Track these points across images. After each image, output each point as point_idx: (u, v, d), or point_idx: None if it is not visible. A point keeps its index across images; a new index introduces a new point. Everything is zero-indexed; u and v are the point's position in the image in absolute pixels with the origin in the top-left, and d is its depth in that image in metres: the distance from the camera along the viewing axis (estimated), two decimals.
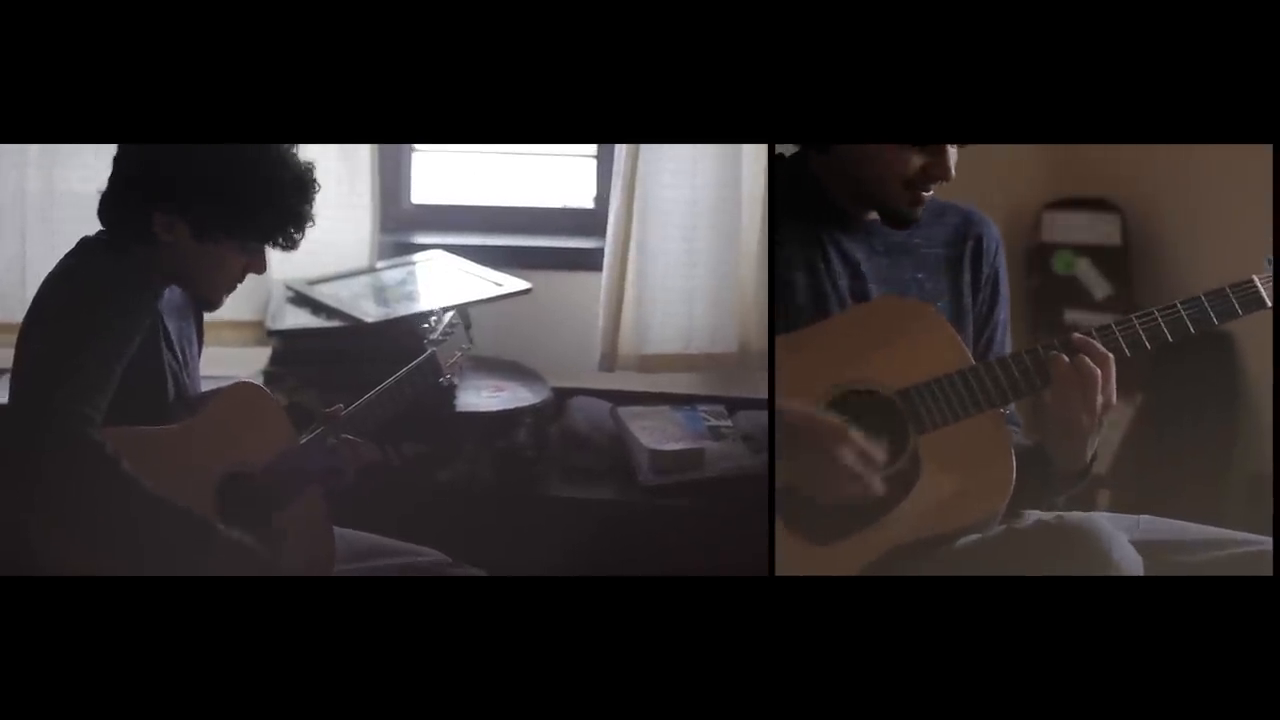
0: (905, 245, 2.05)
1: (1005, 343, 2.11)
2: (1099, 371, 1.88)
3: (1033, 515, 2.01)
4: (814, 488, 1.85)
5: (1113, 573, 1.80)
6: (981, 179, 3.02)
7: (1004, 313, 2.11)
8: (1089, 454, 1.93)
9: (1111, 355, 1.89)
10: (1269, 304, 1.94)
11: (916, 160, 1.95)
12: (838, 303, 1.98)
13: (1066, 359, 1.89)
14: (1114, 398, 1.89)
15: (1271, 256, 1.96)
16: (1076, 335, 1.91)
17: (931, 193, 1.98)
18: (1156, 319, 1.93)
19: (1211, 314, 1.93)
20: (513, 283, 2.81)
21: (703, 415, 2.93)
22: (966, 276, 2.08)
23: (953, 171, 1.96)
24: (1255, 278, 1.94)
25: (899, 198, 1.98)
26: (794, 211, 2.02)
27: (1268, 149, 2.08)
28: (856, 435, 1.83)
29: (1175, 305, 1.93)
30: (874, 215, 2.03)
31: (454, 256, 2.94)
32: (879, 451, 1.84)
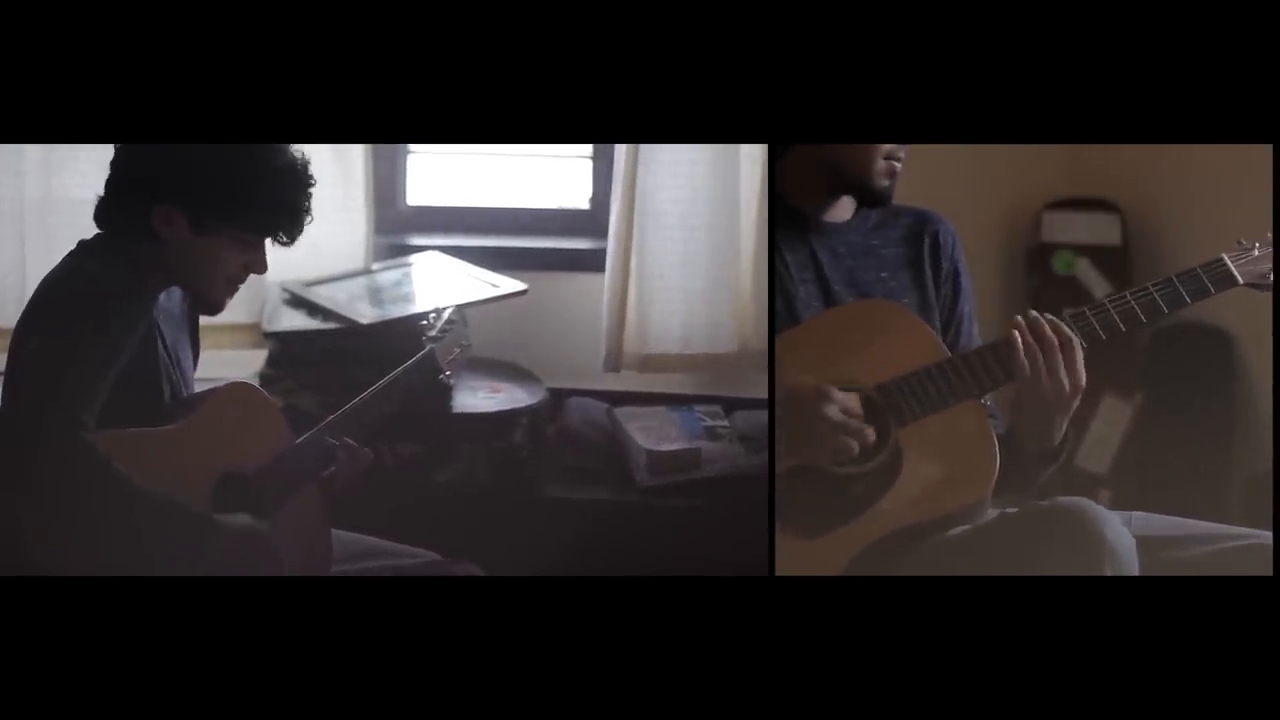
0: (865, 247, 2.08)
1: (973, 334, 2.14)
2: (1056, 342, 1.90)
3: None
4: (814, 454, 1.88)
5: (1106, 553, 1.81)
6: (982, 179, 3.03)
7: (968, 305, 2.14)
8: (1057, 435, 1.95)
9: (1075, 337, 1.92)
10: (1240, 281, 1.96)
11: None
12: (805, 307, 2.01)
13: (1023, 336, 1.91)
14: (1082, 380, 1.91)
15: (1242, 238, 1.98)
16: (1031, 313, 1.93)
17: (901, 164, 2.01)
18: (1129, 301, 1.95)
19: (1183, 293, 1.95)
20: (508, 284, 2.81)
21: (699, 415, 2.93)
22: (928, 273, 2.11)
23: None
24: (1224, 255, 1.96)
25: (881, 172, 2.01)
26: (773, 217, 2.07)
27: (1268, 149, 2.08)
28: (835, 392, 1.87)
29: (1147, 287, 1.95)
30: (831, 216, 2.06)
31: (449, 258, 2.94)
32: (856, 403, 1.88)
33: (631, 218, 2.87)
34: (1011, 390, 1.96)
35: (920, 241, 2.11)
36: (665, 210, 2.88)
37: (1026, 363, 1.91)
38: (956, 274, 2.12)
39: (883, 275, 2.07)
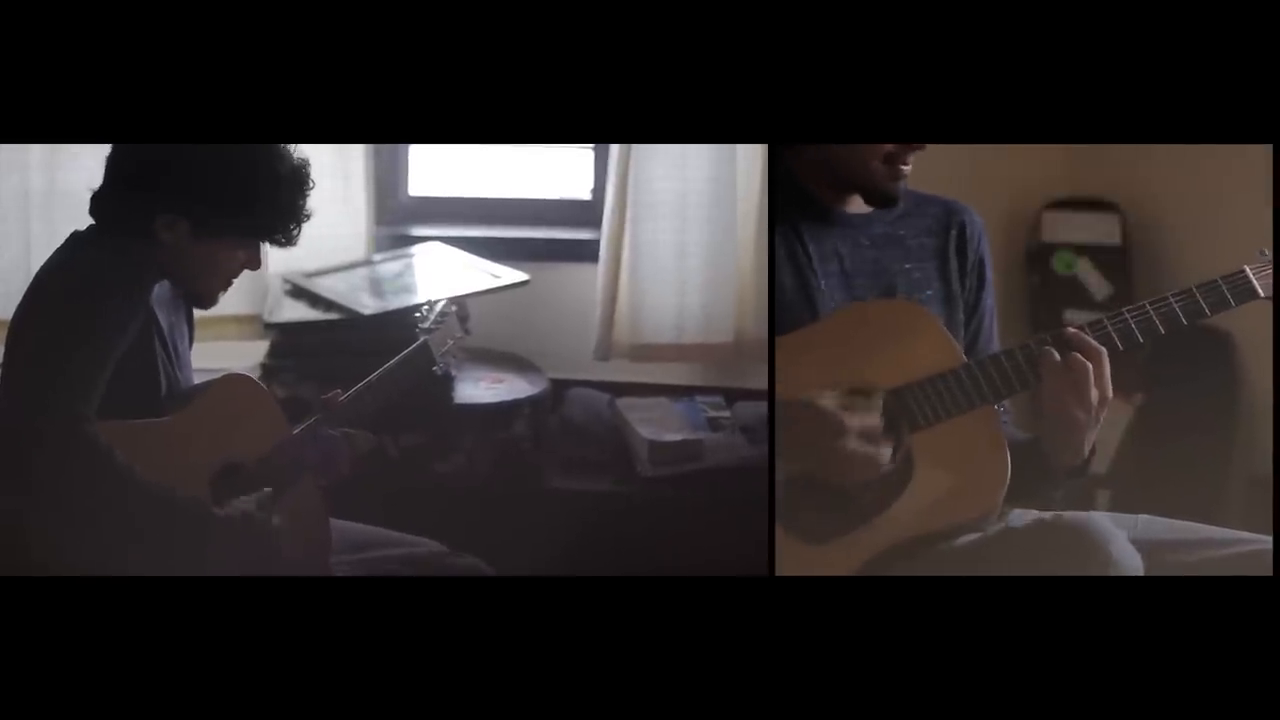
0: (890, 237, 2.05)
1: (993, 330, 2.11)
2: (1090, 365, 1.86)
3: (1030, 514, 2.01)
4: (827, 472, 1.86)
5: (1112, 570, 1.80)
6: (982, 179, 3.04)
7: (990, 299, 2.11)
8: (1086, 449, 1.91)
9: (1104, 350, 1.87)
10: (1261, 294, 1.92)
11: None
12: (826, 299, 1.99)
13: (1056, 355, 1.87)
14: (1109, 392, 1.87)
15: (1264, 249, 1.94)
16: (1069, 329, 1.89)
17: (910, 166, 1.98)
18: (1148, 311, 1.91)
19: (1203, 305, 1.91)
20: (510, 274, 2.82)
21: (701, 406, 2.93)
22: (953, 264, 2.08)
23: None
24: (1247, 268, 1.92)
25: (880, 175, 1.98)
26: (774, 210, 2.04)
27: (1268, 149, 2.08)
28: (854, 417, 1.84)
29: (1166, 297, 1.92)
30: (853, 208, 2.04)
31: (451, 248, 2.94)
32: (877, 421, 1.86)
33: (625, 207, 2.87)
34: (1036, 402, 1.92)
35: (947, 232, 2.08)
36: (660, 200, 2.89)
37: (1064, 387, 1.86)
38: (982, 266, 2.09)
39: (907, 266, 2.04)
